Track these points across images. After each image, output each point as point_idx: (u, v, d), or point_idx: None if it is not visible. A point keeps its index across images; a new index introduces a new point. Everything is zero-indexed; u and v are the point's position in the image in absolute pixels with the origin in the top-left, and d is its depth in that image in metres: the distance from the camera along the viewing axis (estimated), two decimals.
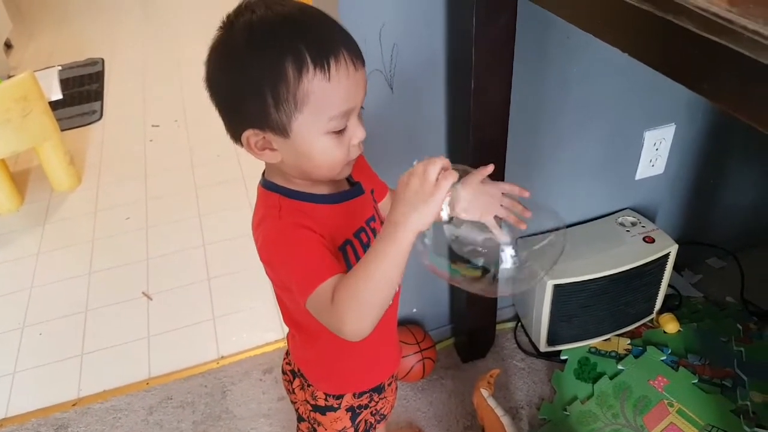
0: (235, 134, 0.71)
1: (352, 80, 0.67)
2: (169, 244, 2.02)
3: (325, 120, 0.67)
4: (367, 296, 0.63)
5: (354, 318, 0.64)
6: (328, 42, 0.65)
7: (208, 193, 2.24)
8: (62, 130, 2.35)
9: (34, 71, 2.17)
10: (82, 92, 3.01)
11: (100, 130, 2.72)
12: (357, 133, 0.70)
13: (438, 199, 0.60)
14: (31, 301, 1.85)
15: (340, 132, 0.69)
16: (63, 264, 1.98)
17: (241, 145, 0.71)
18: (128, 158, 2.49)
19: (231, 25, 0.67)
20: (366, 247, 0.78)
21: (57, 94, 2.94)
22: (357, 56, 0.68)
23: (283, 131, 0.68)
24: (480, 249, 0.72)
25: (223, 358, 1.60)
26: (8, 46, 3.49)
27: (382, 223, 0.85)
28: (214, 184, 2.27)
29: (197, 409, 1.47)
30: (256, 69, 0.65)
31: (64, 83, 3.07)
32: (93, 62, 3.30)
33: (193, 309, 1.76)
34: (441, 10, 1.08)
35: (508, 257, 0.71)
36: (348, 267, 0.75)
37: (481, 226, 0.72)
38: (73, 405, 1.51)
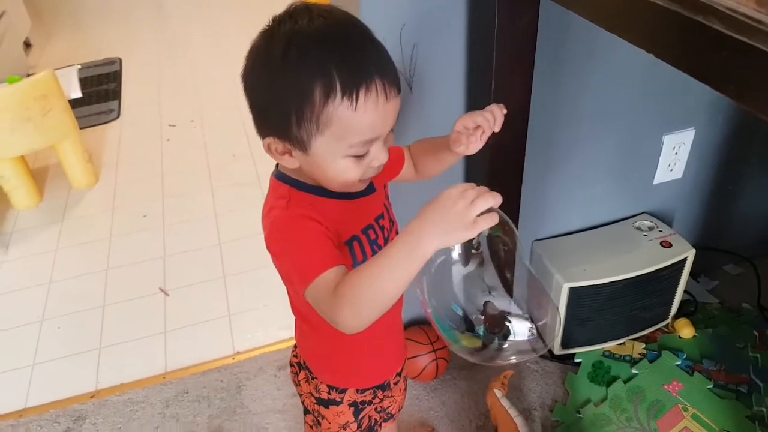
0: (260, 135, 0.73)
1: (380, 111, 0.66)
2: (186, 242, 2.04)
3: (345, 146, 0.67)
4: (370, 296, 0.62)
5: (351, 314, 0.63)
6: (363, 69, 0.65)
7: (224, 193, 2.25)
8: (81, 129, 2.38)
9: (54, 70, 2.20)
10: (100, 91, 3.04)
11: (118, 128, 2.75)
12: (379, 158, 0.70)
13: (470, 235, 0.59)
14: (49, 296, 1.87)
15: (360, 156, 0.69)
16: (81, 260, 2.01)
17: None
18: (145, 157, 2.52)
19: (272, 33, 0.67)
20: (373, 243, 0.79)
21: (77, 93, 2.98)
22: (392, 85, 0.67)
23: (302, 147, 0.69)
24: (485, 315, 0.68)
25: (238, 353, 1.61)
26: (27, 45, 3.53)
27: (391, 220, 0.85)
28: (229, 184, 2.29)
29: (213, 403, 1.48)
30: (286, 85, 0.65)
31: (83, 82, 3.10)
32: (111, 62, 3.34)
33: (209, 305, 1.78)
34: (462, 10, 1.09)
35: (524, 329, 0.68)
36: (353, 262, 0.76)
37: (490, 279, 0.69)
38: (91, 397, 1.53)
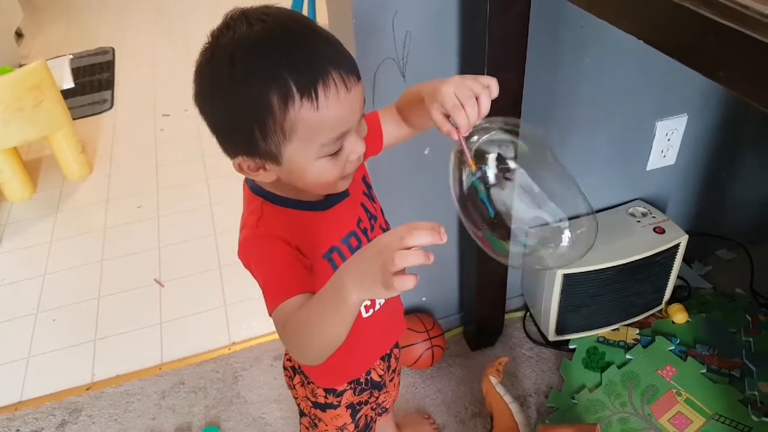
0: (228, 156, 0.69)
1: (343, 104, 0.62)
2: (181, 233, 2.03)
3: (316, 147, 0.64)
4: (310, 339, 0.61)
5: (296, 352, 0.64)
6: (315, 65, 0.61)
7: (219, 183, 2.25)
8: (74, 119, 2.37)
9: (46, 60, 2.18)
10: (93, 81, 3.02)
11: (111, 119, 2.74)
12: (355, 150, 0.67)
13: (389, 296, 0.54)
14: (44, 288, 1.87)
15: (335, 153, 0.66)
16: (75, 251, 2.00)
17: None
18: (139, 147, 2.51)
19: (213, 49, 0.63)
20: (355, 251, 0.74)
21: (69, 83, 2.96)
22: (350, 74, 0.63)
23: (273, 159, 0.65)
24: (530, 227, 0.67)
25: (234, 344, 1.62)
26: (19, 35, 3.51)
27: (373, 217, 0.81)
28: (224, 174, 2.28)
29: (209, 393, 1.49)
30: (240, 102, 0.62)
31: (75, 72, 3.08)
32: (103, 51, 3.31)
33: (205, 296, 1.78)
34: None
35: (564, 233, 0.66)
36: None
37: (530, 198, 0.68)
38: (87, 389, 1.54)
